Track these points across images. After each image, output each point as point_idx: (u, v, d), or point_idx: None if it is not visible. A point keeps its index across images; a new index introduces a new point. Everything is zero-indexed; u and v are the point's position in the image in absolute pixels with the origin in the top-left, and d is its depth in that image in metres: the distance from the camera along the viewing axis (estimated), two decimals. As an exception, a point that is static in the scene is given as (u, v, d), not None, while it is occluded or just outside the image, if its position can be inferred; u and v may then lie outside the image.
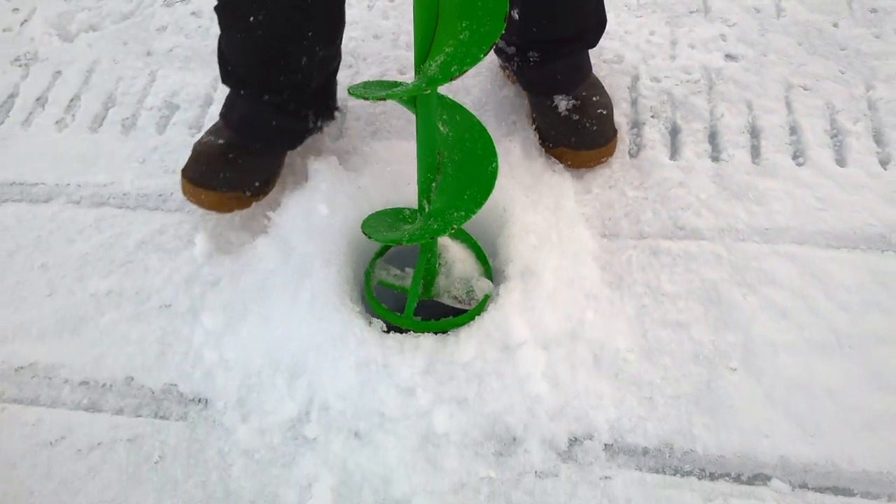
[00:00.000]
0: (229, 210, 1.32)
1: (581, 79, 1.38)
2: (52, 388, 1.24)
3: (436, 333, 1.15)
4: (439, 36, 0.88)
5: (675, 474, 1.08)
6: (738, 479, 1.07)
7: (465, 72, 0.80)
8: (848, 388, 1.11)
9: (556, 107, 1.36)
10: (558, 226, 1.25)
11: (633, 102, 1.49)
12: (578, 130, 1.34)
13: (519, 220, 1.22)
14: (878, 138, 1.39)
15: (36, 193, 1.49)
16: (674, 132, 1.44)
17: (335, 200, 1.25)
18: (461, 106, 1.06)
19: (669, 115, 1.46)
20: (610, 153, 1.38)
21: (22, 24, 1.81)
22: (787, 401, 1.11)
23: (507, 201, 1.25)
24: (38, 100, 1.65)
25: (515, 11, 1.29)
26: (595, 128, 1.35)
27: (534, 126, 1.41)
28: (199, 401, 1.20)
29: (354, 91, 0.90)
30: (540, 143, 1.39)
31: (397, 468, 1.09)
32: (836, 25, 1.57)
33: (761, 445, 1.08)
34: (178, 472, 1.14)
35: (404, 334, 1.14)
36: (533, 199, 1.26)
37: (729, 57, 1.54)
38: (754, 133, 1.42)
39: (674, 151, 1.41)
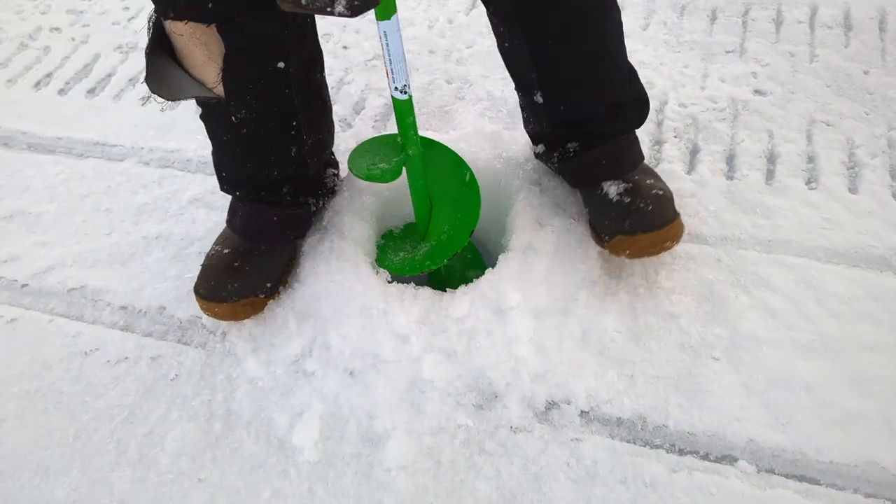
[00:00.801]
0: (245, 317, 1.28)
1: (630, 165, 1.26)
2: (96, 308, 1.38)
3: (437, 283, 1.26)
4: (434, 221, 1.24)
5: (644, 446, 1.12)
6: (705, 456, 1.09)
7: (437, 266, 1.22)
8: (826, 386, 1.13)
9: (606, 193, 1.24)
10: (565, 215, 1.33)
11: (659, 123, 1.58)
12: (632, 213, 1.19)
13: (527, 203, 1.31)
14: (894, 174, 1.42)
15: (114, 153, 1.68)
16: (693, 151, 1.52)
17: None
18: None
19: (692, 136, 1.54)
20: (673, 237, 1.19)
21: (129, 20, 2.06)
22: (764, 391, 1.14)
23: (518, 188, 1.35)
24: (130, 80, 1.88)
25: (539, 95, 1.21)
26: (651, 208, 1.18)
27: (591, 228, 1.29)
28: (219, 333, 1.31)
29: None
30: (595, 242, 1.28)
31: (382, 405, 1.16)
32: (866, 73, 1.63)
33: (732, 428, 1.11)
34: (188, 390, 1.25)
35: (406, 285, 1.24)
36: (544, 187, 1.35)
37: (757, 92, 1.62)
38: (771, 159, 1.48)
39: (690, 167, 1.49)
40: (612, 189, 1.24)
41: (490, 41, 1.83)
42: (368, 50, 1.86)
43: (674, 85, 1.64)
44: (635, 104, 1.27)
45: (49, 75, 1.92)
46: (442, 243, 1.24)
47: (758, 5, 1.83)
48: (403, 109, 1.09)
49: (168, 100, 1.08)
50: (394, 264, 1.29)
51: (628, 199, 1.21)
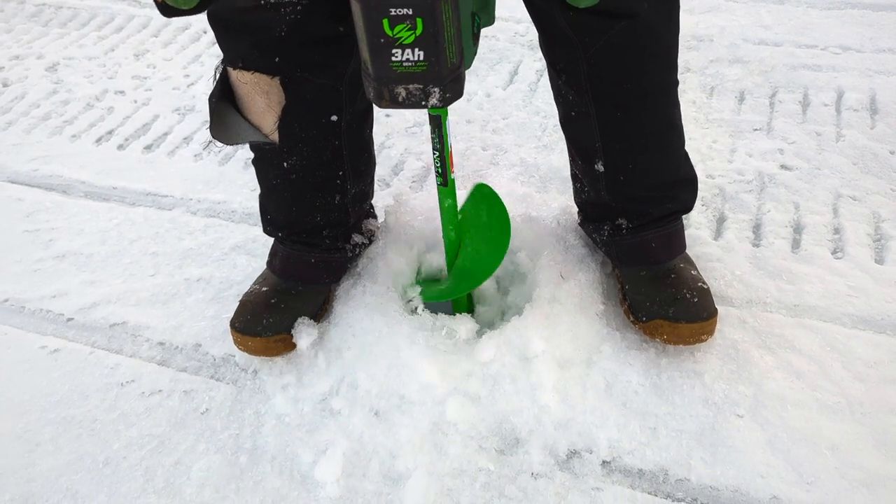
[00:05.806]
0: (277, 353, 1.32)
1: (677, 251, 1.31)
2: (135, 343, 1.44)
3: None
4: (462, 254, 1.25)
5: (666, 498, 1.11)
6: (728, 512, 1.08)
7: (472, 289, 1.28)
8: (852, 447, 1.12)
9: (652, 276, 1.28)
10: (588, 270, 1.37)
11: (687, 193, 1.62)
12: (678, 301, 1.23)
13: (551, 258, 1.35)
14: (921, 247, 1.44)
15: (164, 202, 1.78)
16: (720, 220, 1.56)
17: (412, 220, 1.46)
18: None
19: (718, 206, 1.59)
20: (711, 331, 1.24)
21: (188, 86, 2.21)
22: (788, 449, 1.13)
23: (543, 244, 1.39)
24: (185, 139, 2.00)
25: (601, 164, 1.23)
26: (696, 300, 1.23)
27: (626, 304, 1.32)
28: (251, 370, 1.35)
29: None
30: (632, 322, 1.31)
31: (405, 446, 1.18)
32: (892, 153, 1.67)
33: (756, 484, 1.10)
34: (217, 424, 1.28)
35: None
36: (568, 245, 1.40)
37: (784, 167, 1.67)
38: (797, 229, 1.51)
39: (717, 234, 1.52)
40: (658, 273, 1.28)
41: (525, 114, 1.92)
42: (409, 118, 1.97)
43: (702, 158, 1.70)
44: (687, 184, 1.31)
45: (110, 132, 2.05)
46: (466, 277, 1.24)
47: (784, 88, 1.90)
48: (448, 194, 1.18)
49: (227, 144, 1.16)
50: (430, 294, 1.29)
51: (673, 288, 1.25)
